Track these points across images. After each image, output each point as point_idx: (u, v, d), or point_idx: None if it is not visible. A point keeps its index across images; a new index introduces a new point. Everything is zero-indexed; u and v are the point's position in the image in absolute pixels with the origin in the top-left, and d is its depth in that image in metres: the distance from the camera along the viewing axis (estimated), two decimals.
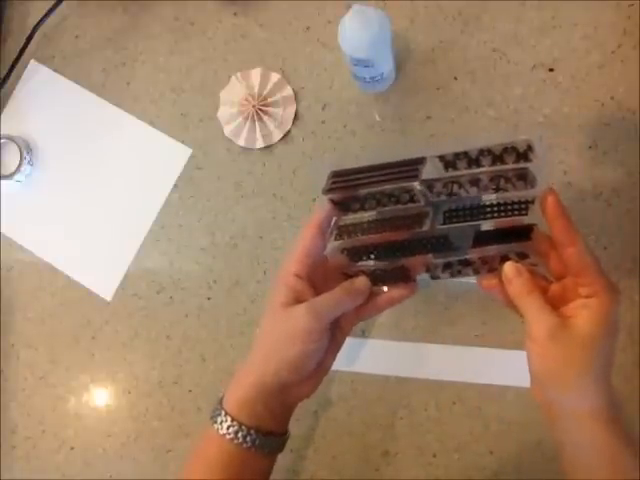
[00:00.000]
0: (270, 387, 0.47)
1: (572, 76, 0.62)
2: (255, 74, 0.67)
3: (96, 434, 0.67)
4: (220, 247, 0.67)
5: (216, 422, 0.47)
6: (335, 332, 0.50)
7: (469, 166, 0.44)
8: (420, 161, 0.45)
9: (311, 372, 0.49)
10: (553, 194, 0.44)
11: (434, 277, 0.48)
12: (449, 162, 0.44)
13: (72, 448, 0.67)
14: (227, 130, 0.67)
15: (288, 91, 0.66)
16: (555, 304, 0.44)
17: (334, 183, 0.46)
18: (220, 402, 0.49)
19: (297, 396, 0.49)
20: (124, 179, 0.69)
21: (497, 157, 0.43)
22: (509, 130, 0.63)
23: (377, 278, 0.49)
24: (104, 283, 0.68)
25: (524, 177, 0.44)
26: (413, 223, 0.46)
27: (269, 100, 0.66)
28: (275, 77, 0.66)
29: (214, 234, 0.67)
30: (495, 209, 0.45)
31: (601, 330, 0.42)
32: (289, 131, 0.66)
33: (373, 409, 0.63)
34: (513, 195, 0.44)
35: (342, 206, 0.48)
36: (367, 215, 0.47)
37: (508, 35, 0.64)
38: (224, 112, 0.67)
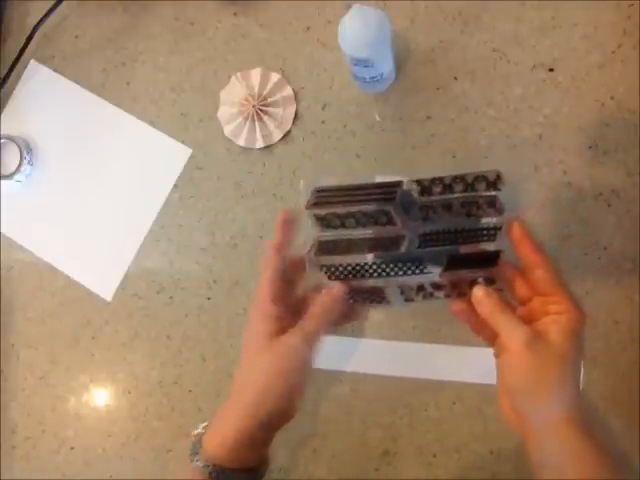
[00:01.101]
0: (258, 425, 0.45)
1: (572, 76, 0.62)
2: (255, 74, 0.67)
3: (96, 434, 0.67)
4: (220, 247, 0.67)
5: (195, 460, 0.46)
6: None
7: (443, 191, 0.46)
8: (398, 184, 0.47)
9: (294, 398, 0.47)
10: (518, 220, 0.46)
11: (408, 300, 0.49)
12: (425, 187, 0.47)
13: (72, 448, 0.67)
14: (227, 130, 0.67)
15: (288, 91, 0.66)
16: (525, 322, 0.45)
17: (317, 199, 0.48)
18: (199, 441, 0.47)
19: (283, 423, 0.47)
20: (124, 179, 0.69)
21: (469, 184, 0.46)
22: (509, 129, 0.63)
23: (353, 297, 0.49)
24: (104, 283, 0.68)
25: (493, 204, 0.46)
26: (391, 245, 0.48)
27: (269, 100, 0.66)
28: (275, 77, 0.66)
29: (214, 234, 0.67)
30: (465, 235, 0.47)
31: (572, 343, 0.44)
32: (289, 131, 0.66)
33: (373, 409, 0.63)
34: (484, 221, 0.47)
35: (323, 221, 0.48)
36: (346, 233, 0.48)
37: (508, 35, 0.64)
38: (224, 112, 0.67)
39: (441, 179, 0.47)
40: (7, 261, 0.70)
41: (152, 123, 0.69)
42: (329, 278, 0.49)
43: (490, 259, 0.47)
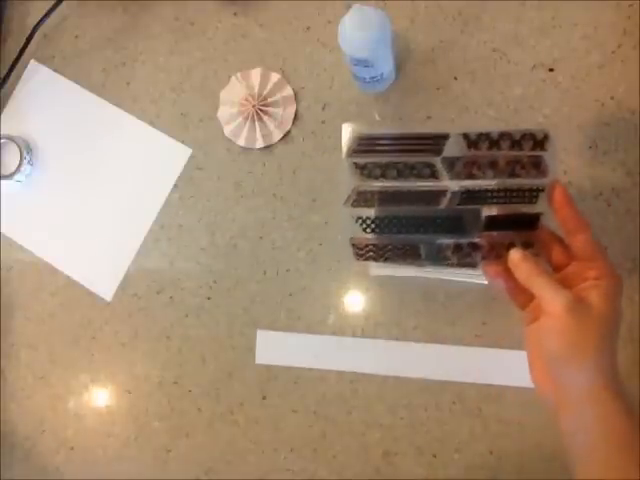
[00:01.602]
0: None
1: (572, 76, 0.62)
2: (255, 74, 0.67)
3: (96, 434, 0.67)
4: (220, 247, 0.67)
5: None
6: None
7: (490, 147, 0.46)
8: (444, 137, 0.46)
9: None
10: (560, 184, 0.46)
11: (443, 259, 0.48)
12: (472, 141, 0.46)
13: (72, 448, 0.67)
14: (227, 130, 0.67)
15: (288, 91, 0.66)
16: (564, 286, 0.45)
17: (358, 146, 0.47)
18: None
19: None
20: (124, 179, 0.69)
21: (516, 142, 0.46)
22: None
23: (386, 253, 0.48)
24: (104, 283, 0.68)
25: (538, 165, 0.46)
26: (431, 200, 0.47)
27: (269, 100, 0.66)
28: (275, 77, 0.66)
29: (214, 234, 0.67)
30: (507, 195, 0.46)
31: (613, 307, 0.44)
32: (289, 131, 0.66)
33: (373, 409, 0.63)
34: (526, 182, 0.46)
35: (364, 170, 0.47)
36: (388, 185, 0.47)
37: (508, 35, 0.64)
38: (224, 112, 0.67)
39: (488, 134, 0.46)
40: (7, 261, 0.70)
41: (152, 123, 0.69)
42: (364, 231, 0.48)
43: (530, 222, 0.47)
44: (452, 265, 0.48)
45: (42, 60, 0.71)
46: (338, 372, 0.64)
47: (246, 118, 0.66)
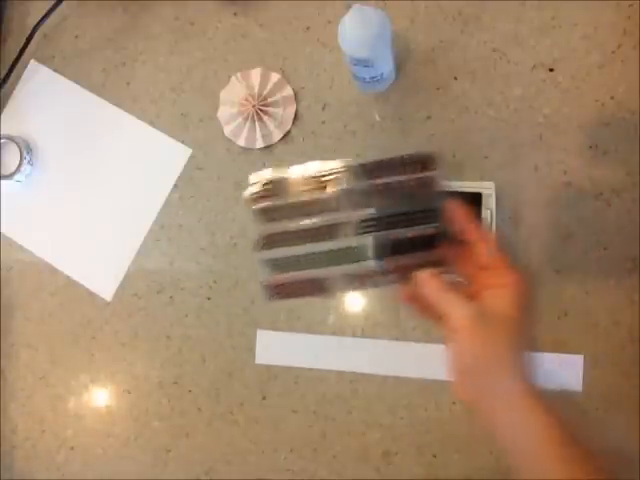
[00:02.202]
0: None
1: (572, 76, 0.62)
2: (255, 74, 0.67)
3: (96, 434, 0.67)
4: (220, 247, 0.67)
5: None
6: None
7: (383, 175, 0.47)
8: (339, 171, 0.47)
9: None
10: (453, 201, 0.47)
11: (354, 288, 0.49)
12: (366, 171, 0.47)
13: (72, 448, 0.67)
14: (227, 130, 0.67)
15: (288, 91, 0.66)
16: (470, 298, 0.45)
17: (261, 192, 0.48)
18: None
19: None
20: (124, 179, 0.69)
21: (407, 166, 0.47)
22: (509, 129, 0.63)
23: (296, 290, 0.49)
24: (104, 283, 0.68)
25: (430, 185, 0.47)
26: (334, 233, 0.48)
27: (269, 100, 0.66)
28: (275, 77, 0.66)
29: (214, 234, 0.67)
30: (407, 218, 0.47)
31: (519, 312, 0.44)
32: (289, 131, 0.66)
33: (373, 409, 0.63)
34: (423, 205, 0.47)
35: (267, 215, 0.48)
36: (292, 225, 0.48)
37: (508, 35, 0.64)
38: (224, 112, 0.67)
39: (380, 162, 0.47)
40: (7, 261, 0.70)
41: (152, 123, 0.69)
42: (273, 271, 0.48)
43: (433, 241, 0.48)
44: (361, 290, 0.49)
45: (42, 60, 0.71)
46: (338, 372, 0.64)
47: (246, 118, 0.66)
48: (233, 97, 0.67)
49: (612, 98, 0.62)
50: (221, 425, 0.65)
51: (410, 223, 0.48)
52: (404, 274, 0.48)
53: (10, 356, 0.69)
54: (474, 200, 0.60)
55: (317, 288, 0.49)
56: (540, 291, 0.61)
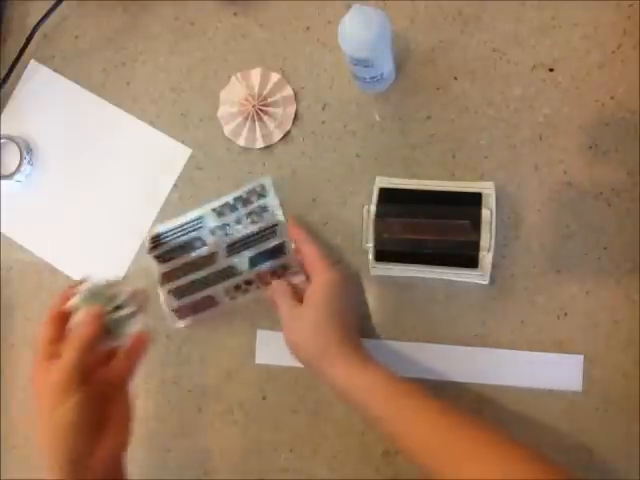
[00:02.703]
0: (66, 468, 0.49)
1: (572, 76, 0.62)
2: (255, 74, 0.67)
3: None
4: None
5: None
6: (107, 387, 0.54)
7: (232, 210, 0.64)
8: (202, 216, 0.65)
9: (100, 430, 0.52)
10: (290, 216, 0.63)
11: (232, 298, 0.64)
12: (219, 212, 0.65)
13: None
14: (227, 130, 0.67)
15: (288, 91, 0.66)
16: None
17: (152, 243, 0.65)
18: None
19: (102, 458, 0.51)
20: (124, 179, 0.69)
21: (245, 199, 0.64)
22: (509, 129, 0.63)
23: (196, 308, 0.65)
24: None
25: (266, 209, 0.64)
26: (210, 260, 0.64)
27: (269, 100, 0.66)
28: (275, 77, 0.66)
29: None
30: (255, 237, 0.63)
31: (322, 297, 0.57)
32: (289, 131, 0.66)
33: None
34: (263, 224, 0.64)
35: (160, 259, 0.65)
36: (178, 262, 0.65)
37: (508, 35, 0.64)
38: (224, 112, 0.67)
39: (227, 202, 0.64)
40: (7, 261, 0.70)
41: (152, 123, 0.69)
42: (176, 299, 0.65)
43: (278, 250, 0.63)
44: (241, 297, 0.65)
45: (42, 60, 0.71)
46: None
47: (246, 118, 0.66)
48: (233, 97, 0.67)
49: (612, 98, 0.62)
50: (221, 425, 0.65)
51: (259, 240, 0.63)
52: (265, 280, 0.63)
53: (10, 356, 0.69)
54: (474, 200, 0.60)
55: (210, 303, 0.65)
56: (540, 291, 0.61)
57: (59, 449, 0.50)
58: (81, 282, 0.57)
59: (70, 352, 0.51)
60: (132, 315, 0.56)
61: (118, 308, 0.55)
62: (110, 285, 0.56)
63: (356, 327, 0.60)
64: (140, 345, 0.57)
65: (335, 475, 0.63)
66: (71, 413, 0.50)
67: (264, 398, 0.65)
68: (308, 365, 0.57)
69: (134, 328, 0.56)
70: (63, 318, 0.55)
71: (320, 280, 0.57)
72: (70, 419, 0.50)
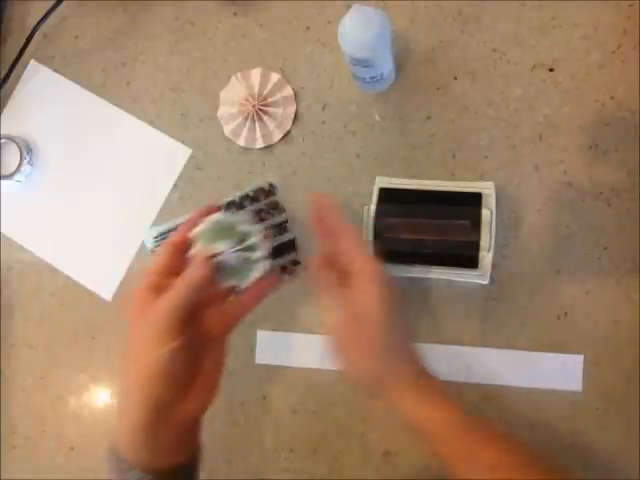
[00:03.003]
0: (144, 416, 0.44)
1: (572, 76, 0.62)
2: (255, 74, 0.67)
3: (96, 434, 0.67)
4: None
5: (110, 461, 0.45)
6: (206, 338, 0.48)
7: (238, 208, 0.63)
8: (218, 208, 0.56)
9: (188, 384, 0.46)
10: (317, 199, 0.53)
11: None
12: (224, 210, 0.58)
13: (72, 448, 0.67)
14: (227, 130, 0.67)
15: (288, 91, 0.66)
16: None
17: (156, 241, 0.65)
18: (113, 448, 0.46)
19: (183, 417, 0.46)
20: (124, 179, 0.69)
21: (253, 198, 0.64)
22: (509, 129, 0.63)
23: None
24: (104, 283, 0.68)
25: (276, 206, 0.64)
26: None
27: (269, 100, 0.66)
28: (275, 77, 0.66)
29: None
30: (266, 234, 0.57)
31: (384, 314, 0.49)
32: (289, 131, 0.66)
33: (373, 409, 0.63)
34: (274, 220, 0.63)
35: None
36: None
37: (508, 35, 0.64)
38: (224, 112, 0.67)
39: (233, 201, 0.63)
40: (7, 261, 0.70)
41: (152, 123, 0.69)
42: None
43: (289, 246, 0.64)
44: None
45: (42, 60, 0.71)
46: (338, 372, 0.63)
47: (246, 118, 0.66)
48: (233, 97, 0.67)
49: (612, 98, 0.62)
50: (221, 425, 0.65)
51: (270, 237, 0.61)
52: (274, 273, 0.61)
53: (10, 356, 0.69)
54: (474, 200, 0.60)
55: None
56: (540, 291, 0.61)
57: (144, 394, 0.44)
58: (212, 210, 0.51)
59: (177, 292, 0.45)
60: (261, 259, 0.50)
61: (247, 249, 0.50)
62: (242, 222, 0.50)
63: (413, 342, 0.53)
64: (265, 288, 0.51)
65: (335, 475, 0.63)
66: (167, 359, 0.44)
67: (264, 398, 0.65)
68: (364, 385, 0.51)
69: (257, 273, 0.50)
70: (182, 249, 0.49)
71: (377, 291, 0.48)
72: (165, 366, 0.44)
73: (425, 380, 0.49)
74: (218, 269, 0.49)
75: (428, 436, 0.48)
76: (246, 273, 0.50)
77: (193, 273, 0.47)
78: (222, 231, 0.49)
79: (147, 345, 0.45)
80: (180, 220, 0.64)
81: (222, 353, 0.49)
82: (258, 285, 0.50)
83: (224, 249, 0.49)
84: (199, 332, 0.47)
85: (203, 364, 0.47)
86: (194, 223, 0.50)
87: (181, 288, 0.46)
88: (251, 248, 0.50)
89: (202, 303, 0.48)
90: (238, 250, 0.49)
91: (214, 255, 0.48)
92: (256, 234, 0.50)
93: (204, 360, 0.47)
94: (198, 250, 0.49)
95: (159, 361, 0.44)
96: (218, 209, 0.52)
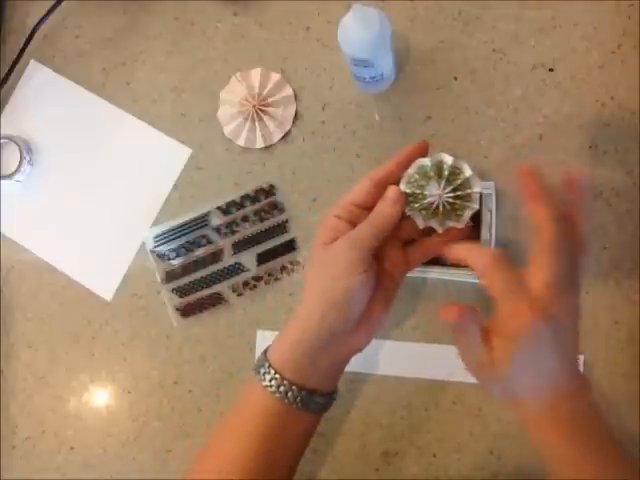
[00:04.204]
0: (317, 337, 0.45)
1: (572, 76, 0.62)
2: (255, 74, 0.67)
3: (96, 434, 0.67)
4: None
5: (259, 373, 0.46)
6: (383, 277, 0.47)
7: (239, 208, 0.65)
8: (206, 214, 0.65)
9: (360, 319, 0.46)
10: (524, 171, 0.48)
11: (239, 295, 0.65)
12: (225, 210, 0.65)
13: (72, 448, 0.67)
14: (227, 130, 0.67)
15: (288, 91, 0.66)
16: None
17: (155, 242, 0.66)
18: (265, 352, 0.47)
19: (346, 349, 0.47)
20: (124, 179, 0.69)
21: (254, 197, 0.65)
22: (509, 129, 0.63)
23: (202, 305, 0.65)
24: (104, 283, 0.68)
25: (275, 206, 0.65)
26: (215, 258, 0.65)
27: (269, 100, 0.66)
28: (275, 77, 0.66)
29: None
30: (265, 233, 0.65)
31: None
32: (289, 131, 0.66)
33: (373, 409, 0.63)
34: (274, 220, 0.65)
35: (164, 257, 0.66)
36: (184, 260, 0.65)
37: (508, 35, 0.64)
38: (224, 112, 0.67)
39: (234, 201, 0.65)
40: (7, 261, 0.70)
41: (152, 123, 0.69)
42: (180, 297, 0.65)
43: (290, 246, 0.64)
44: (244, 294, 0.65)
45: (42, 60, 0.71)
46: None
47: (246, 118, 0.66)
48: (233, 97, 0.67)
49: (612, 98, 0.62)
50: None
51: (269, 237, 0.65)
52: (274, 276, 0.64)
53: (10, 356, 0.69)
54: None
55: (216, 300, 0.65)
56: None
57: (324, 318, 0.45)
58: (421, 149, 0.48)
59: (373, 225, 0.46)
60: (471, 205, 0.47)
61: (457, 190, 0.47)
62: (454, 162, 0.47)
63: None
64: (455, 236, 0.48)
65: (335, 475, 0.63)
66: (355, 289, 0.44)
67: None
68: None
69: (465, 218, 0.47)
70: (383, 184, 0.47)
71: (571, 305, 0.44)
72: (352, 295, 0.44)
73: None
74: (422, 209, 0.47)
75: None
76: (449, 216, 0.47)
77: (388, 208, 0.46)
78: (430, 172, 0.47)
79: (337, 271, 0.45)
80: (185, 218, 0.65)
81: (393, 294, 0.49)
82: (449, 232, 0.48)
83: (433, 192, 0.46)
84: (380, 268, 0.47)
85: (374, 302, 0.47)
86: (398, 162, 0.48)
87: (377, 221, 0.46)
88: (461, 188, 0.47)
89: (387, 240, 0.47)
90: (447, 192, 0.46)
91: (421, 196, 0.47)
92: (468, 171, 0.47)
93: (376, 298, 0.47)
94: (399, 190, 0.47)
95: (347, 289, 0.44)
96: (425, 149, 0.48)
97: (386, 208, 0.47)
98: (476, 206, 0.47)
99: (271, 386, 0.45)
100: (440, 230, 0.47)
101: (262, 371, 0.46)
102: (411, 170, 0.47)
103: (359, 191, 0.47)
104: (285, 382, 0.45)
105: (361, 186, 0.48)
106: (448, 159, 0.47)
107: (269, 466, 0.47)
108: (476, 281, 0.60)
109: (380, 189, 0.47)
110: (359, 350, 0.47)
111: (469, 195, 0.47)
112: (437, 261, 0.59)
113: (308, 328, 0.45)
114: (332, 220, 0.47)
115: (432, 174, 0.46)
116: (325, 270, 0.46)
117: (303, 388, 0.46)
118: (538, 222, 0.45)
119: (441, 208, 0.47)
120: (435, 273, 0.61)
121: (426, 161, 0.47)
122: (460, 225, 0.47)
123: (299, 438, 0.49)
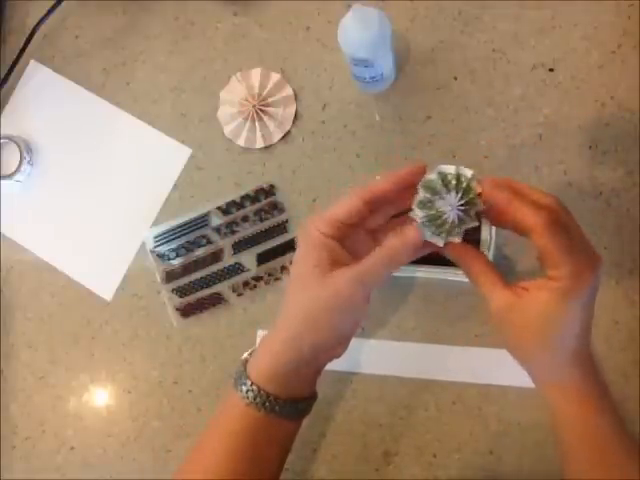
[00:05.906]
0: (306, 358, 0.45)
1: (572, 76, 0.63)
2: (255, 74, 0.67)
3: (96, 434, 0.67)
4: None
5: (241, 391, 0.45)
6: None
7: (239, 208, 0.65)
8: (206, 214, 0.65)
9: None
10: (489, 181, 0.43)
11: (239, 295, 0.65)
12: (225, 210, 0.65)
13: (72, 448, 0.67)
14: (227, 130, 0.67)
15: (288, 91, 0.66)
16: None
17: (155, 242, 0.66)
18: (244, 366, 0.47)
19: (329, 359, 0.47)
20: (124, 179, 0.69)
21: (253, 197, 0.65)
22: (509, 129, 0.63)
23: (202, 305, 0.65)
24: (104, 283, 0.68)
25: (275, 206, 0.65)
26: (215, 258, 0.65)
27: (269, 100, 0.66)
28: (275, 77, 0.66)
29: None
30: (265, 233, 0.65)
31: (560, 312, 0.40)
32: (289, 131, 0.66)
33: (373, 409, 0.63)
34: (274, 220, 0.65)
35: (164, 257, 0.66)
36: (184, 260, 0.66)
37: (508, 35, 0.64)
38: (224, 112, 0.67)
39: (234, 201, 0.65)
40: (7, 261, 0.70)
41: (152, 123, 0.69)
42: (180, 297, 0.65)
43: (290, 246, 0.65)
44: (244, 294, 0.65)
45: (42, 60, 0.71)
46: (338, 372, 0.63)
47: (246, 118, 0.66)
48: (233, 97, 0.67)
49: (612, 98, 0.62)
50: None
51: (269, 237, 0.65)
52: (274, 276, 0.64)
53: (10, 356, 0.69)
54: None
55: (216, 300, 0.65)
56: None
57: (305, 341, 0.44)
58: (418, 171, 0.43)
59: (381, 267, 0.44)
60: (469, 222, 0.43)
61: (465, 205, 0.43)
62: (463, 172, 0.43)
63: None
64: (426, 248, 0.44)
65: (335, 475, 0.63)
66: (343, 325, 0.45)
67: None
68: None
69: (459, 235, 0.43)
70: (375, 204, 0.44)
71: (568, 288, 0.40)
72: (339, 332, 0.45)
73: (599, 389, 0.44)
74: (429, 224, 0.43)
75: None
76: (451, 230, 0.43)
77: (406, 253, 0.43)
78: (437, 187, 0.43)
79: (337, 304, 0.44)
80: (185, 218, 0.66)
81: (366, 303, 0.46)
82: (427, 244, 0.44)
83: (446, 207, 0.42)
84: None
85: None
86: (395, 182, 0.44)
87: (392, 262, 0.43)
88: (468, 203, 0.43)
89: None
90: (459, 202, 0.42)
91: (437, 214, 0.43)
92: (469, 172, 0.43)
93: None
94: (420, 236, 0.43)
95: (343, 323, 0.45)
96: (424, 170, 0.44)
97: (404, 252, 0.43)
98: (476, 223, 0.44)
99: (256, 403, 0.45)
100: (441, 244, 0.44)
101: (244, 388, 0.46)
102: (421, 193, 0.43)
103: (348, 210, 0.44)
104: (270, 397, 0.45)
105: (351, 204, 0.44)
106: (450, 169, 0.43)
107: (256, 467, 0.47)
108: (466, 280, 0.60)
109: (372, 207, 0.44)
110: (338, 357, 0.47)
111: (476, 197, 0.43)
112: (437, 261, 0.59)
113: (298, 353, 0.45)
114: (320, 237, 0.44)
115: (439, 187, 0.43)
116: (323, 300, 0.43)
117: (287, 399, 0.46)
118: (525, 225, 0.41)
119: (457, 221, 0.43)
120: (435, 273, 0.60)
121: (432, 176, 0.43)
122: (458, 240, 0.44)
123: (281, 443, 0.49)
